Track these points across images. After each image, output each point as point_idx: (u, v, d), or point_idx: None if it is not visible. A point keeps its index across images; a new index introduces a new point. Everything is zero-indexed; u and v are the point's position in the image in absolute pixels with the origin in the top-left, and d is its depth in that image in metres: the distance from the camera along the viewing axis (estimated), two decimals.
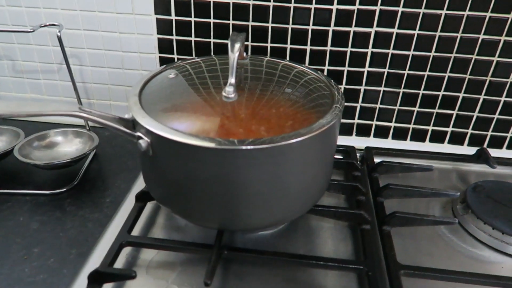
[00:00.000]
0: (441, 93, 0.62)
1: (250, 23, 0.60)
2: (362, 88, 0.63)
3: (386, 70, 0.61)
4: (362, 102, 0.65)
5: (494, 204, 0.51)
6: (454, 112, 0.64)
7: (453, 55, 0.59)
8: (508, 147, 0.66)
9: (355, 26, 0.58)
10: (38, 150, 0.58)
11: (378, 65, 0.61)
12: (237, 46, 0.42)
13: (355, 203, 0.52)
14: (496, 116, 0.63)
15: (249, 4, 0.58)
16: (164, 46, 0.64)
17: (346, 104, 0.65)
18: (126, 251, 0.45)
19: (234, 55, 0.41)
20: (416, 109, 0.64)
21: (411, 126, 0.66)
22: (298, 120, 0.40)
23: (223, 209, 0.40)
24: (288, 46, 0.61)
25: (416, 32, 0.58)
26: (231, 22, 0.60)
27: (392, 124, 0.66)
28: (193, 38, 0.62)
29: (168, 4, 0.60)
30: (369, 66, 0.61)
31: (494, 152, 0.62)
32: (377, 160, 0.60)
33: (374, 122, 0.66)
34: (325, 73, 0.63)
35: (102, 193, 0.55)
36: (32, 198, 0.53)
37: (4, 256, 0.45)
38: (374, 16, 0.57)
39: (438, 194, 0.53)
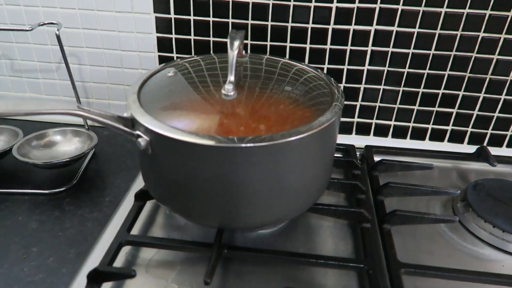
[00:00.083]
0: (441, 91, 0.62)
1: (250, 21, 0.60)
2: (362, 86, 0.63)
3: (386, 68, 0.61)
4: (362, 100, 0.65)
5: (495, 202, 0.51)
6: (454, 111, 0.64)
7: (453, 53, 0.59)
8: (508, 145, 0.66)
9: (355, 24, 0.58)
10: (37, 149, 0.58)
11: (378, 63, 0.61)
12: (237, 43, 0.42)
13: (355, 201, 0.52)
14: (496, 114, 0.63)
15: (248, 2, 0.58)
16: (163, 45, 0.63)
17: (345, 102, 0.64)
18: (125, 250, 0.45)
19: (233, 52, 0.41)
20: (416, 107, 0.64)
21: (411, 124, 0.66)
22: (297, 118, 0.40)
23: (222, 207, 0.40)
24: (288, 44, 0.61)
25: (416, 30, 0.58)
26: (230, 20, 0.60)
27: (392, 123, 0.66)
28: (192, 37, 0.62)
29: (167, 2, 0.60)
30: (369, 65, 0.61)
31: (494, 151, 0.62)
32: (377, 158, 0.60)
33: (374, 121, 0.66)
34: (325, 71, 0.62)
35: (101, 192, 0.55)
36: (31, 197, 0.53)
37: (3, 256, 0.44)
38: (374, 14, 0.57)
39: (439, 192, 0.52)
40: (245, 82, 0.45)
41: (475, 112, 0.64)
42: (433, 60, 0.60)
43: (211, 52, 0.63)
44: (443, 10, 0.56)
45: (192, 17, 0.60)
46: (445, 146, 0.67)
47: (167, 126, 0.37)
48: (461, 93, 0.62)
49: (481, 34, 0.57)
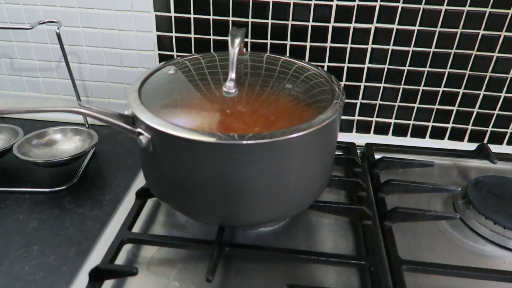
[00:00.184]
0: (441, 89, 0.62)
1: (250, 20, 0.60)
2: (362, 84, 0.63)
3: (386, 66, 0.61)
4: (362, 98, 0.65)
5: (495, 199, 0.51)
6: (454, 108, 0.64)
7: (453, 51, 0.59)
8: (509, 143, 0.66)
9: (355, 22, 0.58)
10: (37, 148, 0.58)
11: (378, 61, 0.61)
12: (237, 41, 0.42)
13: (356, 199, 0.52)
14: (496, 112, 0.63)
15: (248, 1, 0.58)
16: (163, 43, 0.63)
17: (346, 100, 0.64)
18: (126, 248, 0.45)
19: (234, 50, 0.41)
20: (416, 105, 0.64)
21: (411, 122, 0.66)
22: (298, 116, 0.40)
23: (224, 205, 0.40)
24: (288, 42, 0.61)
25: (416, 28, 0.58)
26: (230, 18, 0.60)
27: (392, 121, 0.66)
28: (192, 35, 0.62)
29: (167, 0, 0.60)
30: (369, 63, 0.61)
31: (494, 148, 0.62)
32: (377, 156, 0.60)
33: (374, 119, 0.66)
34: (325, 69, 0.62)
35: (101, 191, 0.55)
36: (31, 196, 0.53)
37: (4, 254, 0.44)
38: (374, 12, 0.57)
39: (439, 189, 0.52)
40: (245, 80, 0.45)
41: (476, 110, 0.64)
42: (433, 58, 0.60)
43: (211, 50, 0.63)
44: (443, 8, 0.56)
45: (192, 15, 0.60)
46: (446, 144, 0.67)
47: (168, 123, 0.37)
48: (461, 90, 0.62)
49: (481, 32, 0.57)
